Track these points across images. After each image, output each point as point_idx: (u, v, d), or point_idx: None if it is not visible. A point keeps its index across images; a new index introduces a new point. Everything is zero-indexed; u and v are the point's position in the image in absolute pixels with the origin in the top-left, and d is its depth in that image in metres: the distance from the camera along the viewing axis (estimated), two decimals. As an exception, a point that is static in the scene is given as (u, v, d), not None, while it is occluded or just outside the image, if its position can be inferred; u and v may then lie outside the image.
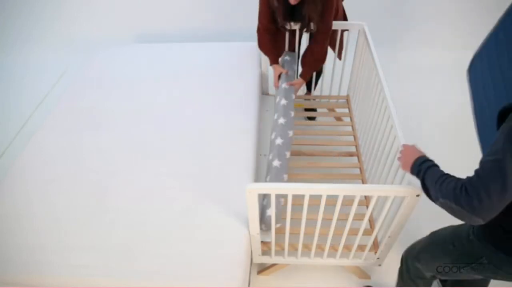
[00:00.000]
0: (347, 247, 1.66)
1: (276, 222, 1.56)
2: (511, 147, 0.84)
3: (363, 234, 1.57)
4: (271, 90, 2.40)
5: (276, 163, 1.56)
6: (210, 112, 2.04)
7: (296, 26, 2.09)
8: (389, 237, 1.52)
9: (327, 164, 2.10)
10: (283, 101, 1.77)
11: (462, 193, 0.89)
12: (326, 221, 1.61)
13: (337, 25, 2.14)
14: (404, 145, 1.25)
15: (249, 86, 2.21)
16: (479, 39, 1.28)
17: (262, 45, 2.13)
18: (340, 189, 1.29)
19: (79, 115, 2.08)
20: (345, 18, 2.28)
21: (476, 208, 0.87)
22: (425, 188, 1.05)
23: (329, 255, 1.70)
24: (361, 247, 1.67)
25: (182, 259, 1.45)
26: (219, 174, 1.74)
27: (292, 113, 1.73)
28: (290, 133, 1.65)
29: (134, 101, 2.15)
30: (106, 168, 1.79)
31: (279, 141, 1.61)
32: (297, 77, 2.21)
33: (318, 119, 2.72)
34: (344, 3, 2.28)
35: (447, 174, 0.99)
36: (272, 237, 1.61)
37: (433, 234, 1.38)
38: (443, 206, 0.97)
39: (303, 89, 2.63)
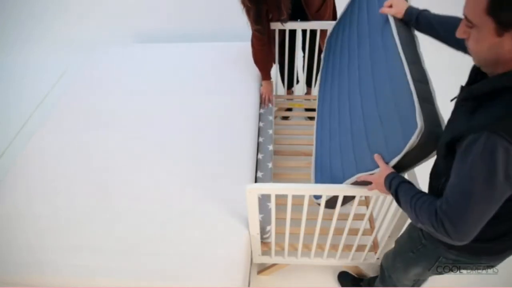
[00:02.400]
0: (347, 247, 1.66)
1: (267, 225, 1.57)
2: (477, 173, 0.79)
3: (363, 234, 1.57)
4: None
5: (259, 174, 1.86)
6: (210, 112, 2.04)
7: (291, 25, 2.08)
8: (389, 237, 1.52)
9: (327, 164, 2.10)
10: (261, 124, 2.11)
11: (439, 225, 0.86)
12: (326, 221, 1.61)
13: (327, 25, 2.11)
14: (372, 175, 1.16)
15: (249, 86, 2.21)
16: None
17: (257, 61, 2.15)
18: (340, 189, 1.29)
19: (79, 115, 2.08)
20: (334, 17, 2.19)
21: (455, 238, 0.85)
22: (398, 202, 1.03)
23: (329, 255, 1.70)
24: (361, 247, 1.67)
25: (182, 259, 1.45)
26: (219, 174, 1.74)
27: (270, 131, 2.07)
28: (270, 147, 1.98)
29: (134, 101, 2.15)
30: (106, 168, 1.79)
31: (260, 156, 1.94)
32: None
33: (318, 119, 2.71)
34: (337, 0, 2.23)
35: (418, 194, 0.96)
36: (272, 237, 1.61)
37: (396, 243, 1.36)
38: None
39: (303, 89, 2.64)
